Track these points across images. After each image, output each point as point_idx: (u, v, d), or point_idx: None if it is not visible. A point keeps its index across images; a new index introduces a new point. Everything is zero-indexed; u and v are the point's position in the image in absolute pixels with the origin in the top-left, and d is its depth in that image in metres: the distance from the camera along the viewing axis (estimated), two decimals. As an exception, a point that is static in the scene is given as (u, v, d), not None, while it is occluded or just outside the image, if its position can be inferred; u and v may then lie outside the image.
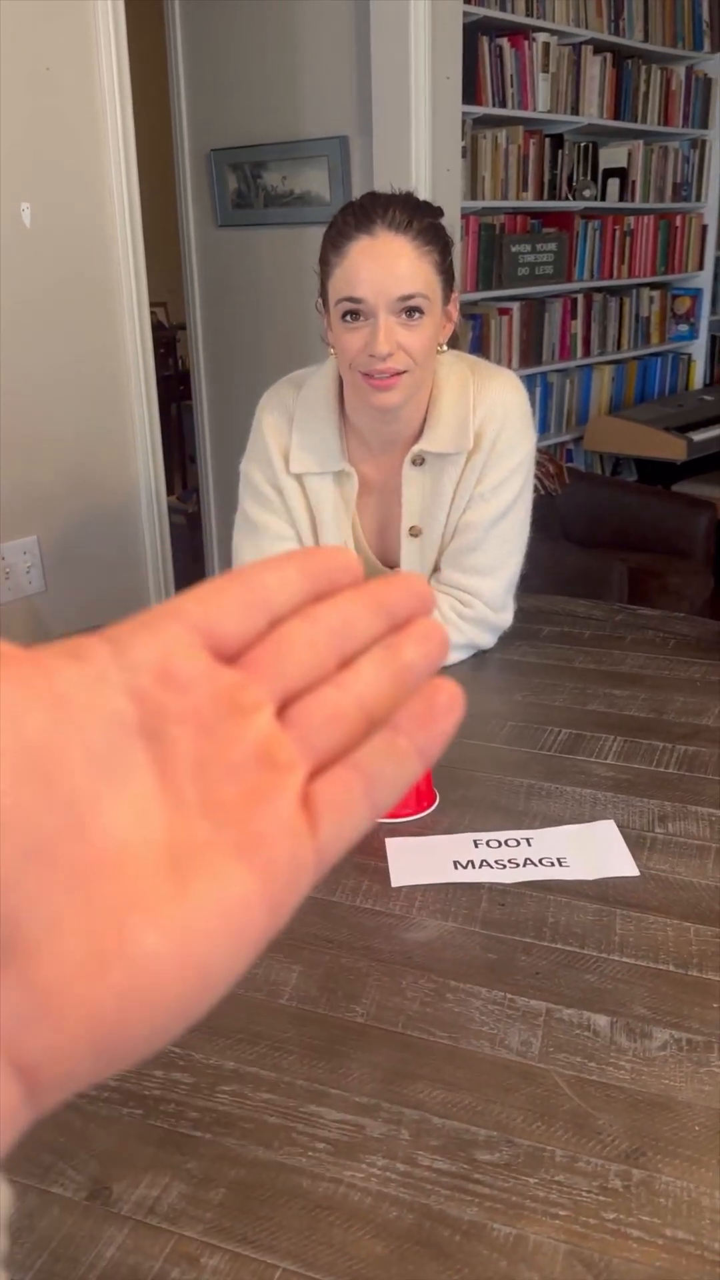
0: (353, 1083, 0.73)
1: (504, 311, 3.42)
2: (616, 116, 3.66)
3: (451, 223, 1.36)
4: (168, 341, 4.78)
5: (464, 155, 3.01)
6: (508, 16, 3.07)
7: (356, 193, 2.59)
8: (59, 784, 0.20)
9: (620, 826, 1.04)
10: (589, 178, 3.67)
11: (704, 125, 4.08)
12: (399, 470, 1.41)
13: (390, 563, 1.48)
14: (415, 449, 1.39)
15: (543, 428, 3.69)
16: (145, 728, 0.22)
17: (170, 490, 4.02)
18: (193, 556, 3.76)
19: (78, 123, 2.12)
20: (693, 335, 4.27)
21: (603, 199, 3.76)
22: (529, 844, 1.01)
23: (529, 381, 3.49)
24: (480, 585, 1.41)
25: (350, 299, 1.26)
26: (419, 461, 1.40)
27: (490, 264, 3.31)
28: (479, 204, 3.21)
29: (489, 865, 0.98)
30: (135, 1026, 0.21)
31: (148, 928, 0.21)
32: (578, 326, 3.75)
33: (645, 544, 2.90)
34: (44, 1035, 0.20)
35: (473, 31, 2.97)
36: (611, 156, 3.78)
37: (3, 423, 2.09)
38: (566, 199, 3.56)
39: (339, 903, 0.93)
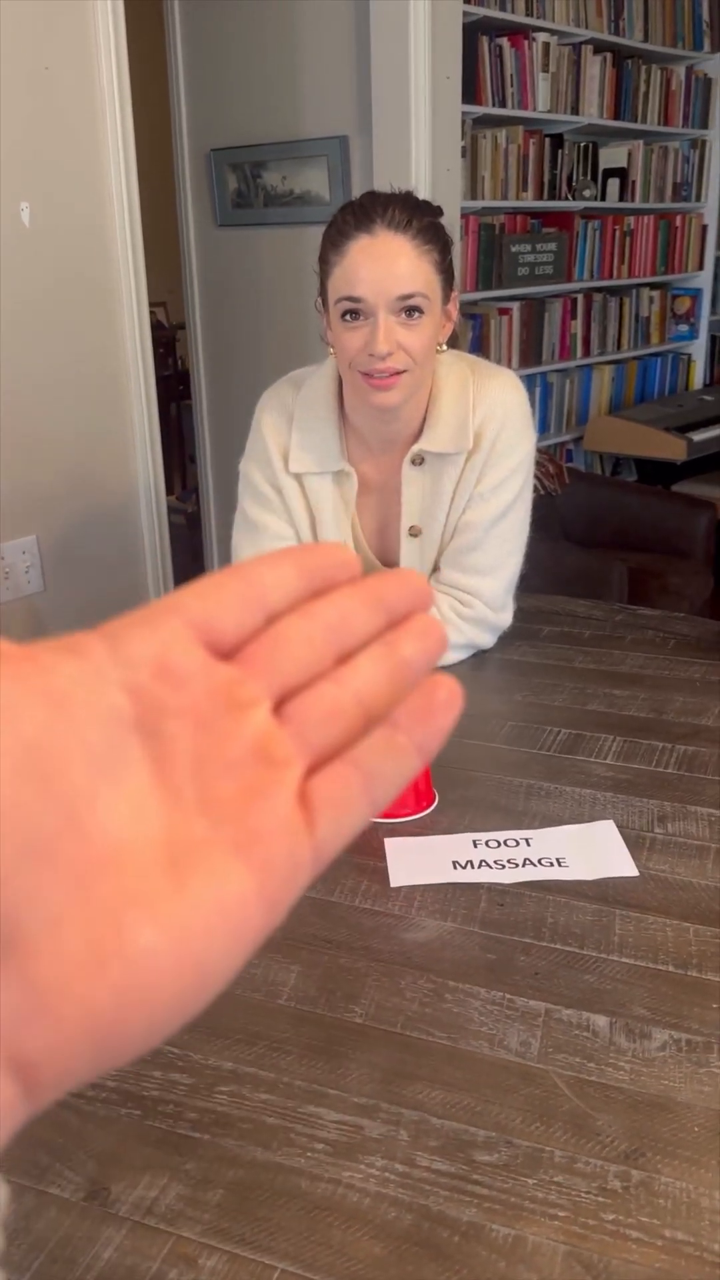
0: (351, 1083, 0.73)
1: (504, 311, 3.41)
2: (616, 116, 3.65)
3: (451, 222, 1.36)
4: (167, 341, 4.78)
5: (464, 155, 3.01)
6: (508, 16, 3.07)
7: (356, 192, 2.59)
8: (57, 781, 0.20)
9: (620, 827, 1.04)
10: (589, 178, 3.67)
11: (704, 125, 4.08)
12: (398, 470, 1.41)
13: (390, 562, 1.48)
14: (415, 449, 1.39)
15: (543, 428, 3.69)
16: (142, 724, 0.22)
17: (170, 490, 4.02)
18: (192, 556, 3.76)
19: (77, 122, 2.12)
20: (693, 335, 4.27)
21: (603, 199, 3.76)
22: (528, 844, 1.01)
23: (529, 381, 3.48)
24: (480, 585, 1.41)
25: (350, 298, 1.26)
26: (418, 461, 1.40)
27: (490, 264, 3.31)
28: (479, 204, 3.21)
29: (488, 865, 0.98)
30: (133, 1023, 0.21)
31: (145, 925, 0.21)
32: (578, 326, 3.75)
33: (645, 544, 2.89)
34: (42, 1032, 0.20)
35: (473, 31, 2.97)
36: (611, 156, 3.78)
37: (2, 422, 2.09)
38: (566, 199, 3.56)
39: (338, 903, 0.93)
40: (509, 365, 3.34)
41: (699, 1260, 0.60)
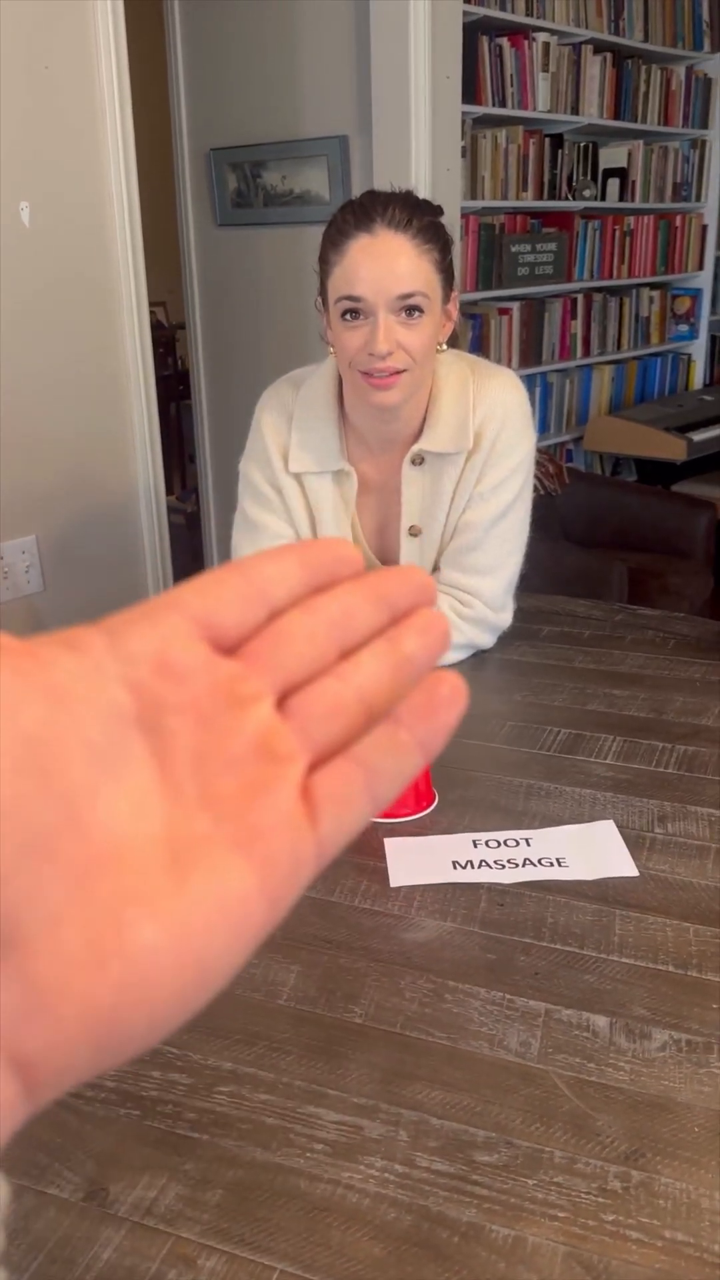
0: (351, 1083, 0.73)
1: (504, 311, 3.41)
2: (616, 116, 3.65)
3: (451, 222, 1.36)
4: (167, 341, 4.78)
5: (464, 155, 3.01)
6: (508, 16, 3.07)
7: (356, 192, 2.59)
8: (56, 777, 0.20)
9: (620, 827, 1.03)
10: (589, 178, 3.67)
11: (704, 125, 4.08)
12: (398, 470, 1.41)
13: (390, 562, 1.48)
14: (415, 448, 1.39)
15: (543, 428, 3.69)
16: (143, 719, 0.22)
17: (169, 490, 4.02)
18: (192, 556, 3.76)
19: (77, 122, 2.12)
20: (693, 335, 4.27)
21: (603, 199, 3.76)
22: (528, 844, 1.01)
23: (529, 381, 3.48)
24: (480, 585, 1.41)
25: (350, 297, 1.26)
26: (418, 461, 1.40)
27: (490, 264, 3.31)
28: (479, 204, 3.21)
29: (488, 865, 0.98)
30: (133, 1021, 0.21)
31: (146, 922, 0.21)
32: (578, 326, 3.75)
33: (645, 544, 2.89)
34: (41, 1030, 0.20)
35: (473, 31, 2.97)
36: (611, 156, 3.78)
37: (2, 422, 2.09)
38: (566, 199, 3.55)
39: (337, 903, 0.93)
40: (509, 365, 3.33)
41: (699, 1261, 0.60)
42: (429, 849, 1.01)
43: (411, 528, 1.43)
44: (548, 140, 3.42)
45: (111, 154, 2.18)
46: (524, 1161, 0.67)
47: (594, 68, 3.50)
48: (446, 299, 1.32)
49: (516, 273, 3.39)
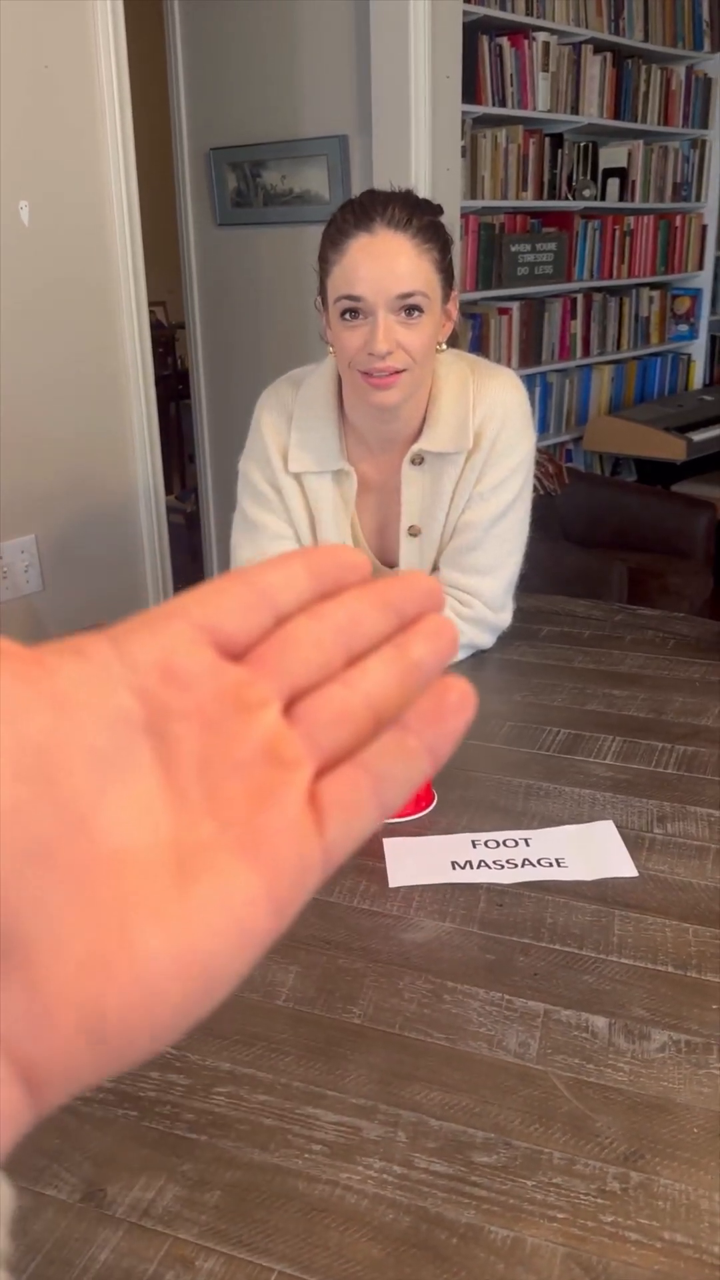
0: (349, 1084, 0.73)
1: (504, 311, 3.41)
2: (616, 116, 3.65)
3: (451, 222, 1.35)
4: (166, 340, 4.78)
5: (464, 155, 3.00)
6: (508, 16, 3.07)
7: (356, 192, 2.59)
8: (61, 783, 0.20)
9: (619, 827, 1.03)
10: (589, 177, 3.67)
11: (704, 125, 4.08)
12: (398, 469, 1.41)
13: (389, 562, 1.48)
14: (415, 448, 1.38)
15: (542, 428, 3.68)
16: (149, 725, 0.22)
17: (169, 489, 4.02)
18: (191, 556, 3.76)
19: (77, 121, 2.12)
20: (692, 335, 4.27)
21: (603, 199, 3.75)
22: (527, 844, 1.01)
23: (528, 381, 3.48)
24: (480, 585, 1.41)
25: (349, 297, 1.25)
26: (418, 461, 1.40)
27: (490, 264, 3.30)
28: (479, 203, 3.20)
29: (487, 866, 0.98)
30: (137, 1027, 0.21)
31: (150, 929, 0.20)
32: (577, 326, 3.75)
33: (645, 544, 2.89)
34: (46, 1036, 0.20)
35: (473, 31, 2.97)
36: (611, 156, 3.78)
37: (1, 421, 2.09)
38: (566, 199, 3.55)
39: (336, 903, 0.93)
40: (509, 365, 3.33)
41: (698, 1262, 0.60)
42: (428, 849, 1.01)
43: (411, 528, 1.43)
44: (548, 140, 3.41)
45: (111, 154, 2.18)
46: (523, 1162, 0.67)
47: (594, 67, 3.50)
48: (446, 299, 1.32)
49: (516, 272, 3.39)
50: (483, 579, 1.41)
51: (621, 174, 3.78)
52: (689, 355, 4.31)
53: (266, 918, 0.22)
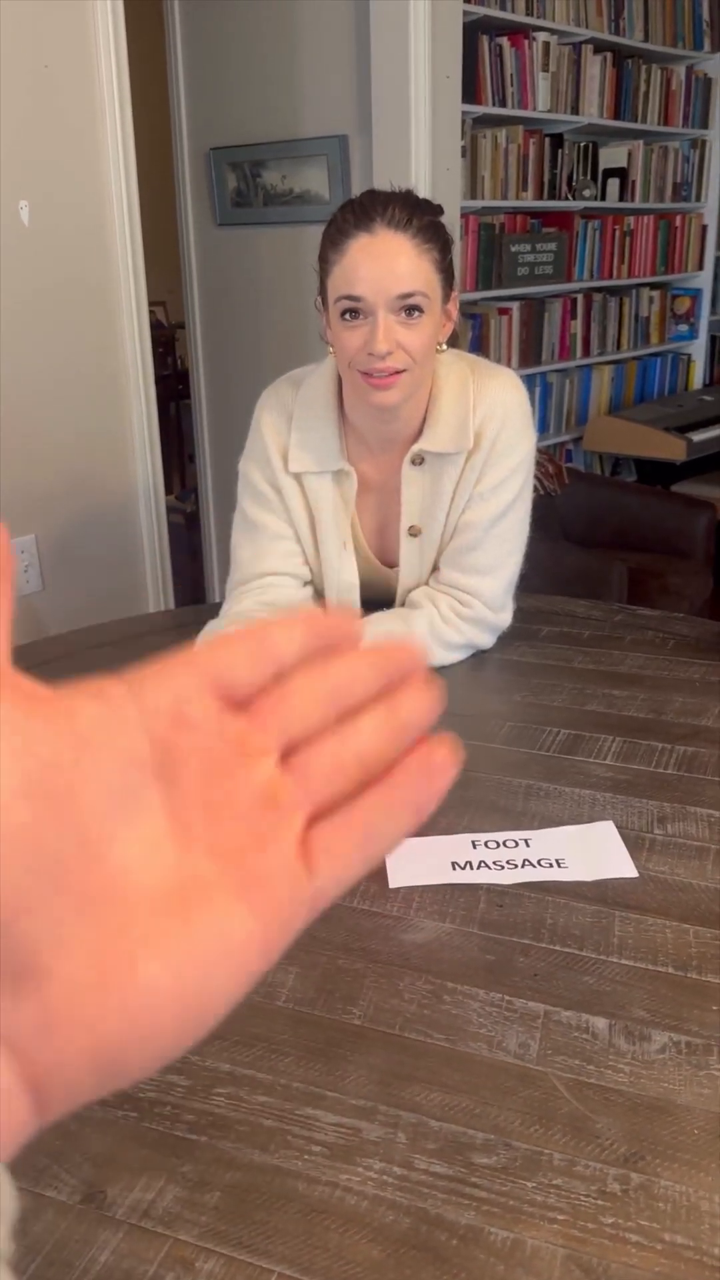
0: (349, 1085, 0.73)
1: (504, 311, 3.41)
2: (616, 116, 3.65)
3: (451, 222, 1.35)
4: (166, 340, 4.78)
5: (464, 155, 3.00)
6: (508, 16, 3.07)
7: (356, 192, 2.59)
8: (77, 812, 0.22)
9: (619, 827, 1.03)
10: (589, 177, 3.67)
11: (704, 125, 4.08)
12: (398, 470, 1.41)
13: (390, 562, 1.48)
14: (415, 448, 1.38)
15: (542, 428, 3.68)
16: (158, 767, 0.23)
17: (169, 489, 4.01)
18: (191, 556, 3.76)
19: (77, 121, 2.12)
20: (692, 335, 4.27)
21: (603, 199, 3.75)
22: (527, 845, 1.01)
23: (528, 381, 3.48)
24: (479, 585, 1.40)
25: (349, 297, 1.25)
26: (418, 461, 1.40)
27: (490, 264, 3.30)
28: (479, 203, 3.20)
29: (487, 866, 0.98)
30: (135, 1048, 0.22)
31: (152, 957, 0.22)
32: (577, 326, 3.75)
33: (645, 544, 2.89)
34: (54, 1050, 0.21)
35: (473, 31, 2.97)
36: (611, 156, 3.78)
37: (1, 421, 2.09)
38: (566, 199, 3.55)
39: (336, 904, 0.93)
40: (509, 365, 3.33)
41: (699, 1264, 0.60)
42: (428, 850, 1.01)
43: (411, 528, 1.43)
44: (548, 140, 3.41)
45: (111, 154, 2.18)
46: (523, 1164, 0.67)
47: (594, 67, 3.50)
48: (446, 299, 1.32)
49: (516, 273, 3.39)
50: (483, 579, 1.40)
51: (621, 174, 3.78)
52: (689, 355, 4.31)
53: (257, 955, 0.23)
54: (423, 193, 1.33)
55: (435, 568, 1.45)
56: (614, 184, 3.78)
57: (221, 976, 0.23)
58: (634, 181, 3.81)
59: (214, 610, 1.42)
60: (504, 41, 3.14)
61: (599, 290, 3.81)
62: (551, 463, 2.78)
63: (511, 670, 1.42)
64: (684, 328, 4.26)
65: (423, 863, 0.98)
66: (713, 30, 3.95)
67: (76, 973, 0.21)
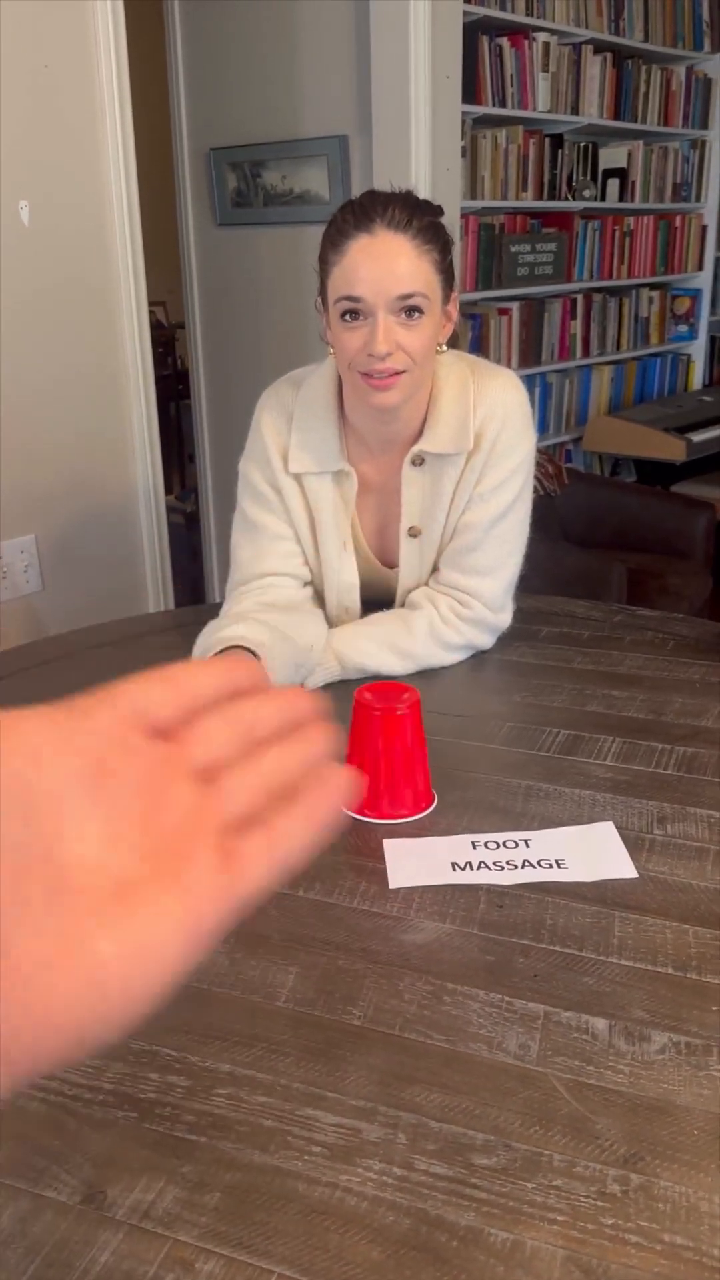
0: (349, 1086, 0.73)
1: (503, 311, 3.41)
2: (616, 116, 3.65)
3: (451, 222, 1.35)
4: (166, 340, 4.78)
5: (464, 155, 3.01)
6: (508, 16, 3.07)
7: (356, 192, 2.59)
8: (33, 815, 0.26)
9: (619, 828, 1.03)
10: (589, 178, 3.67)
11: (704, 125, 4.08)
12: (398, 470, 1.41)
13: (390, 562, 1.48)
14: (415, 449, 1.38)
15: (542, 428, 3.68)
16: (97, 781, 0.28)
17: (169, 489, 4.01)
18: (191, 556, 3.76)
19: (77, 121, 2.12)
20: (692, 336, 4.27)
21: (602, 199, 3.75)
22: (527, 845, 1.01)
23: (528, 382, 3.48)
24: (479, 586, 1.41)
25: (349, 298, 1.25)
26: (418, 462, 1.40)
27: (490, 264, 3.30)
28: (479, 204, 3.20)
29: (487, 867, 0.98)
30: (90, 1015, 0.26)
31: (103, 938, 0.26)
32: (577, 327, 3.75)
33: (644, 545, 2.89)
34: (14, 1018, 0.25)
35: (473, 31, 2.97)
36: (611, 156, 3.78)
37: (1, 421, 2.09)
38: (566, 199, 3.55)
39: (336, 904, 0.93)
40: (508, 365, 3.33)
41: (698, 1265, 0.60)
42: (428, 850, 1.01)
43: (411, 528, 1.43)
44: (548, 140, 3.41)
45: (111, 153, 2.18)
46: (523, 1165, 0.67)
47: (594, 68, 3.50)
48: (446, 299, 1.32)
49: (516, 273, 3.39)
50: (482, 580, 1.41)
51: (621, 174, 3.78)
52: (688, 356, 4.31)
53: (189, 941, 0.28)
54: (423, 193, 1.33)
55: (435, 568, 1.45)
56: (614, 184, 3.78)
57: (158, 960, 0.27)
58: (634, 182, 3.81)
59: (214, 610, 1.42)
60: (504, 42, 3.14)
61: (599, 290, 3.81)
62: (551, 463, 2.78)
63: (511, 671, 1.42)
64: (684, 328, 4.26)
65: (423, 863, 0.98)
66: (713, 30, 3.95)
67: (40, 950, 0.25)
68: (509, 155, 3.27)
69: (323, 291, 1.31)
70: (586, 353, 3.83)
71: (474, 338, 3.30)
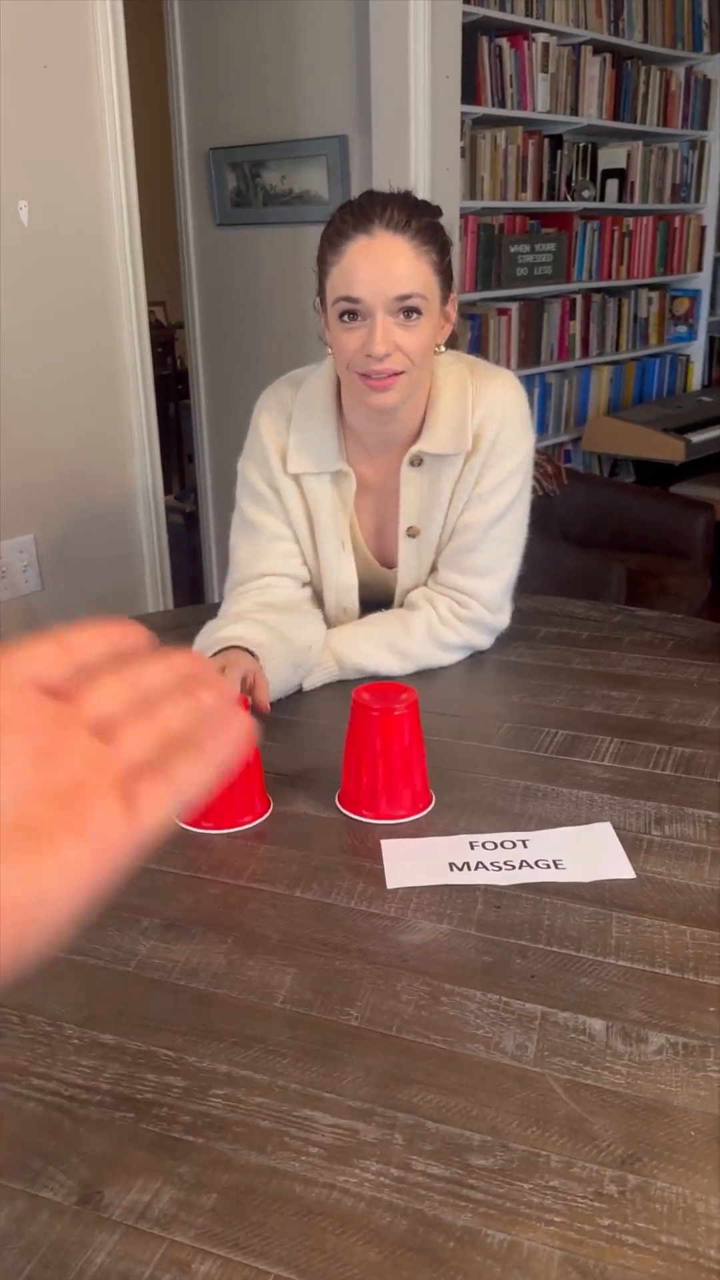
0: (346, 1087, 0.73)
1: (503, 312, 3.41)
2: (616, 117, 3.65)
3: (450, 223, 1.35)
4: (166, 340, 4.78)
5: (463, 155, 3.00)
6: (507, 16, 3.07)
7: (355, 192, 2.59)
8: None
9: (617, 828, 1.03)
10: (588, 178, 3.67)
11: (703, 126, 4.08)
12: (397, 471, 1.41)
13: (388, 563, 1.48)
14: (413, 450, 1.38)
15: (541, 428, 3.68)
16: (2, 734, 0.30)
17: (168, 489, 4.01)
18: (190, 555, 3.76)
19: (76, 121, 2.12)
20: (691, 336, 4.27)
21: (602, 199, 3.75)
22: (525, 846, 1.01)
23: (527, 382, 3.48)
24: (478, 586, 1.40)
25: (347, 299, 1.25)
26: (417, 462, 1.40)
27: (489, 264, 3.30)
28: (478, 204, 3.20)
29: (485, 867, 0.98)
30: (3, 945, 0.28)
31: (11, 876, 0.28)
32: (576, 327, 3.75)
33: (643, 545, 2.89)
34: None
35: (472, 31, 2.97)
36: (611, 157, 3.78)
37: (0, 421, 2.09)
38: (565, 199, 3.55)
39: (333, 904, 0.93)
40: (507, 366, 3.33)
41: (695, 1266, 0.60)
42: (426, 851, 1.01)
43: (410, 529, 1.43)
44: (547, 141, 3.41)
45: (111, 153, 2.18)
46: (520, 1165, 0.67)
47: (593, 68, 3.50)
48: (445, 300, 1.32)
49: (515, 273, 3.39)
50: (481, 580, 1.40)
51: (621, 175, 3.78)
52: (688, 356, 4.31)
53: (91, 877, 0.30)
54: (422, 193, 1.33)
55: (434, 569, 1.45)
56: (613, 185, 3.78)
57: (60, 892, 0.29)
58: (633, 182, 3.81)
59: (213, 610, 1.42)
60: (503, 42, 3.14)
61: (598, 291, 3.81)
62: (550, 463, 2.78)
63: (510, 671, 1.42)
64: (683, 329, 4.26)
65: (420, 864, 0.98)
66: (712, 31, 3.95)
67: None
68: (508, 156, 3.27)
69: (321, 292, 1.31)
70: (586, 353, 3.83)
71: (473, 338, 3.30)
